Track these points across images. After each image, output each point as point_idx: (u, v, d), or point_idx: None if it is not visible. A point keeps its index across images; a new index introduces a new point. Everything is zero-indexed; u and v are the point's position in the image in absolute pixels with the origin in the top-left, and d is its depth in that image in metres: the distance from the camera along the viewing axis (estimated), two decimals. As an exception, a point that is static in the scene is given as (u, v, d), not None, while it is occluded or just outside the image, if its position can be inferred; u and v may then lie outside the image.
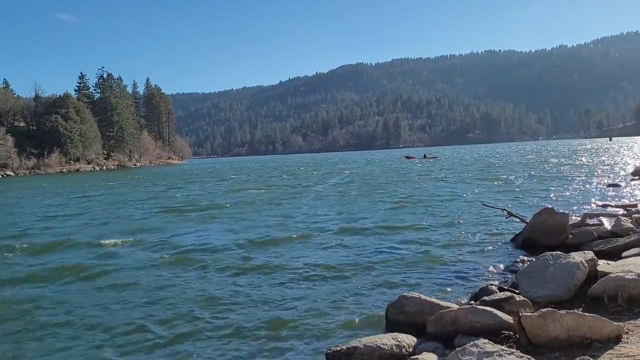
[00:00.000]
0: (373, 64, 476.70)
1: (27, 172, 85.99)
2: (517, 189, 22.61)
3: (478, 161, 57.15)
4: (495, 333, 5.07)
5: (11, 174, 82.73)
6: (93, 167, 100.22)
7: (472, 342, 3.65)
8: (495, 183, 26.49)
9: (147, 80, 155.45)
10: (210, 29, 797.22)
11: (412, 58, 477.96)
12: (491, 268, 9.07)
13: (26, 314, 7.65)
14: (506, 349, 3.43)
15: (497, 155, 73.31)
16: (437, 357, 4.77)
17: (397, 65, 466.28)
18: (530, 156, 63.74)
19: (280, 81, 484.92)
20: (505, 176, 30.82)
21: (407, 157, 75.96)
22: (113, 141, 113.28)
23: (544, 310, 4.67)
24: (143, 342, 6.38)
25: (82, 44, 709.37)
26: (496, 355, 3.29)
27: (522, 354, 3.32)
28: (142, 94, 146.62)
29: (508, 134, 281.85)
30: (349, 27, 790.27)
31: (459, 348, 3.69)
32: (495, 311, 5.26)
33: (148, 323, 7.05)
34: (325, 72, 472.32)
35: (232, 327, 6.73)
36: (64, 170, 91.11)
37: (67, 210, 23.25)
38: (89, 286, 9.22)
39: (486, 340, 3.81)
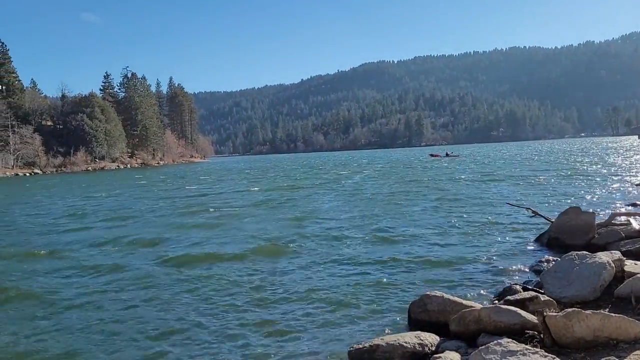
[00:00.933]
0: (395, 62, 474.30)
1: (54, 170, 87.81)
2: (543, 188, 22.28)
3: (502, 160, 56.46)
4: (519, 333, 5.03)
5: (39, 172, 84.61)
6: (118, 166, 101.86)
7: (495, 341, 3.63)
8: (521, 182, 26.12)
9: (170, 79, 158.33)
10: (232, 27, 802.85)
11: (435, 55, 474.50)
12: (515, 267, 8.98)
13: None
14: (530, 348, 3.41)
15: (522, 154, 72.30)
16: (460, 356, 4.75)
17: (420, 62, 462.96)
18: (556, 154, 62.70)
19: (302, 79, 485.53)
20: (530, 175, 30.41)
21: (432, 155, 76.63)
22: (137, 140, 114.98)
23: (569, 310, 4.62)
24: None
25: (106, 43, 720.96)
26: (520, 354, 3.27)
27: (547, 354, 3.30)
28: (165, 92, 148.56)
29: (533, 132, 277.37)
30: (371, 24, 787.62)
31: (483, 347, 3.68)
32: (519, 311, 5.22)
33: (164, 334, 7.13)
34: (346, 70, 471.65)
35: (253, 325, 6.80)
36: (90, 168, 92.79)
37: (79, 210, 23.59)
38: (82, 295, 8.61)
39: (510, 340, 3.79)
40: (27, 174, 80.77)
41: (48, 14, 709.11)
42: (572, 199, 17.70)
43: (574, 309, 4.67)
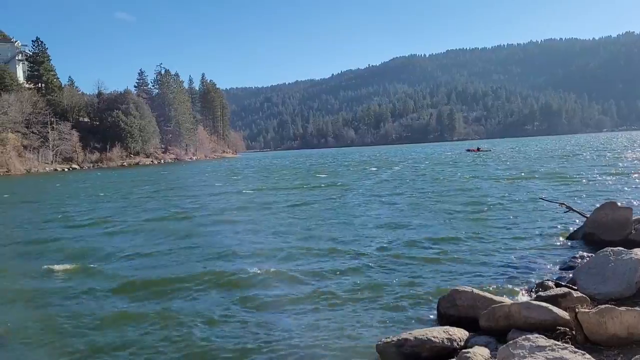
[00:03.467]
0: (427, 56, 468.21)
1: (91, 165, 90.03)
2: (579, 183, 21.76)
3: (537, 155, 55.26)
4: (550, 329, 4.96)
5: (77, 167, 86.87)
6: (152, 161, 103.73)
7: (524, 336, 3.59)
8: (555, 178, 25.56)
9: (203, 75, 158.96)
10: (263, 23, 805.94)
11: (467, 48, 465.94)
12: (548, 263, 8.83)
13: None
14: (559, 343, 3.36)
15: (557, 149, 70.58)
16: (489, 351, 4.71)
17: (452, 56, 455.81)
18: (593, 150, 61.02)
19: (333, 74, 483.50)
20: (565, 170, 29.73)
21: (468, 150, 74.83)
22: (170, 135, 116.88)
23: (602, 306, 4.53)
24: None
25: (140, 41, 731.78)
26: (548, 349, 3.23)
27: (576, 349, 3.25)
28: (197, 89, 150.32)
29: (569, 126, 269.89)
30: (402, 18, 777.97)
31: (511, 341, 3.65)
32: (550, 307, 5.13)
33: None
34: (377, 65, 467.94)
35: (282, 318, 6.89)
36: (125, 163, 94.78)
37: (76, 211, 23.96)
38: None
39: (539, 335, 3.74)
40: (66, 169, 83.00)
41: (84, 14, 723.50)
42: (609, 194, 17.23)
43: (607, 305, 4.57)
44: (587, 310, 4.58)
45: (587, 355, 3.22)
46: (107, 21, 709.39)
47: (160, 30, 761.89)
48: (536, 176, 26.86)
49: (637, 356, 3.88)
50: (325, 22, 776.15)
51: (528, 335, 3.64)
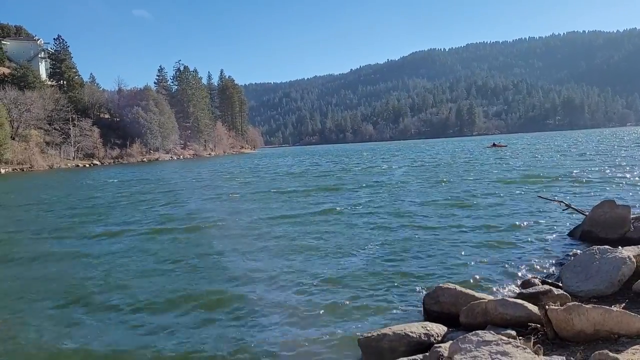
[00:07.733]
0: (446, 50, 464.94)
1: (111, 161, 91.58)
2: (585, 181, 21.55)
3: (556, 152, 54.57)
4: (524, 325, 5.12)
5: (97, 163, 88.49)
6: (171, 157, 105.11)
7: (474, 332, 3.77)
8: (567, 176, 25.32)
9: (221, 71, 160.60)
10: (281, 19, 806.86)
11: (488, 42, 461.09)
12: (543, 261, 8.91)
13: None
14: (504, 338, 3.52)
15: (578, 145, 69.50)
16: (462, 346, 4.88)
17: (472, 50, 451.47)
18: (604, 145, 60.01)
19: (351, 69, 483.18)
20: (579, 169, 29.43)
21: (494, 145, 72.21)
22: (189, 131, 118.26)
23: (570, 304, 4.66)
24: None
25: (158, 38, 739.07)
26: (493, 344, 3.40)
27: (518, 344, 3.41)
28: (216, 85, 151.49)
29: (592, 120, 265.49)
30: (421, 12, 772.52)
31: (461, 336, 3.83)
32: (525, 304, 5.28)
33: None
34: (396, 59, 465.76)
35: (268, 311, 7.13)
36: (144, 159, 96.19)
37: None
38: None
39: (487, 331, 3.91)
40: (87, 165, 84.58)
41: (102, 12, 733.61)
42: (611, 192, 17.05)
43: (574, 302, 4.71)
44: (555, 307, 4.72)
45: (528, 350, 3.38)
46: (126, 18, 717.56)
47: (178, 27, 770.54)
48: (548, 174, 26.61)
49: (596, 352, 4.02)
50: (344, 17, 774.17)
51: (477, 331, 3.82)
